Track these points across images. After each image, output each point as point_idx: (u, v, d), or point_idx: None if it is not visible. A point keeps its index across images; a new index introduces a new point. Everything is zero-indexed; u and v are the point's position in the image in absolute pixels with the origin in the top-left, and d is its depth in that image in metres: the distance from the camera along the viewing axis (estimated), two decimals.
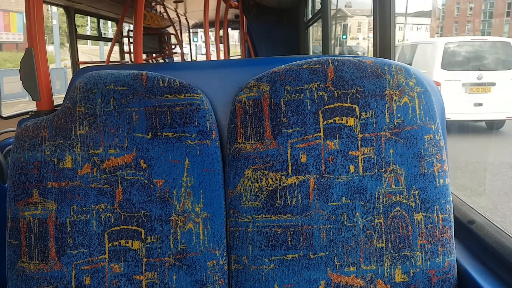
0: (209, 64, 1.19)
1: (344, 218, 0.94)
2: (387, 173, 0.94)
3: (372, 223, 0.93)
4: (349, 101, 0.95)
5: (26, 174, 0.95)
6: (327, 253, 0.94)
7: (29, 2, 1.09)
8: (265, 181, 0.95)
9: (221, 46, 5.52)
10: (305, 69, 0.96)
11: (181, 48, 6.92)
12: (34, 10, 1.09)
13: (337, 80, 0.95)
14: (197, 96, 0.97)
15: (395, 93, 0.94)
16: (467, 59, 6.60)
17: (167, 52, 6.97)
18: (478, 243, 1.01)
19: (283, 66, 0.98)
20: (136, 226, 0.95)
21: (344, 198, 0.94)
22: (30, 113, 1.10)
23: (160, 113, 0.96)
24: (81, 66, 3.91)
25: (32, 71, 1.09)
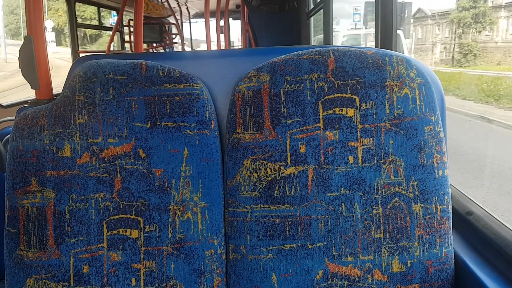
0: (209, 54, 1.18)
1: (342, 208, 0.94)
2: (386, 164, 0.94)
3: (371, 214, 0.94)
4: (349, 91, 0.94)
5: (25, 162, 0.95)
6: (325, 243, 0.94)
7: None
8: (264, 171, 0.95)
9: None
10: (305, 59, 0.96)
11: (182, 38, 6.87)
12: None
13: (338, 71, 0.95)
14: (197, 86, 0.97)
15: (396, 84, 0.94)
16: None
17: (167, 42, 6.91)
18: (476, 234, 1.01)
19: (283, 56, 0.97)
20: (134, 215, 0.95)
21: (343, 188, 0.94)
22: (29, 102, 1.10)
23: (159, 103, 0.96)
24: (81, 55, 3.90)
25: (31, 59, 1.08)
